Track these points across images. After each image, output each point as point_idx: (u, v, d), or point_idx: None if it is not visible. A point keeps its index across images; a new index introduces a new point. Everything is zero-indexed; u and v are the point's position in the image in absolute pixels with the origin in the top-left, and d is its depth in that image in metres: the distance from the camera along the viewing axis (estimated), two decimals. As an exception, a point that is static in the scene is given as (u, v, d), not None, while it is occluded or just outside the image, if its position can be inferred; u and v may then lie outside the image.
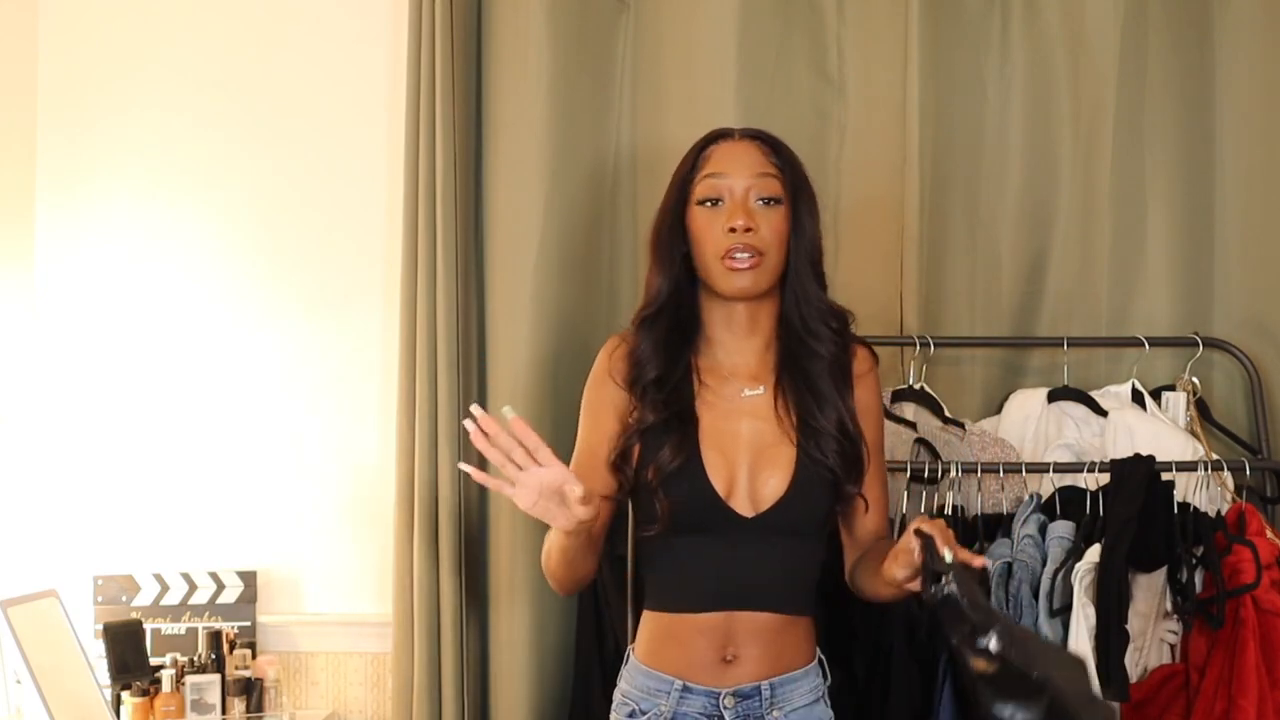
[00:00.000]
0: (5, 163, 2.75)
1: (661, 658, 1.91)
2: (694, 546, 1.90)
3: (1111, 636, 2.18)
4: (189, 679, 2.59)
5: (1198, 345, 2.55)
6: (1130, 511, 2.25)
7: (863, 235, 2.65)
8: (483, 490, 2.63)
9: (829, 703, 1.96)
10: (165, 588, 2.72)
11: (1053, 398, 2.55)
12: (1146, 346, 2.56)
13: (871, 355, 2.02)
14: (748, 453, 1.90)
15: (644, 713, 1.91)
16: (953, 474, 2.39)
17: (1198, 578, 2.30)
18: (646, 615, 1.97)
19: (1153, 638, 2.35)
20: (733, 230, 1.87)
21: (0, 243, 2.72)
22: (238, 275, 2.80)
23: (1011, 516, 2.38)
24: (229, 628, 2.70)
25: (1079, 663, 1.79)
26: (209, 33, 2.80)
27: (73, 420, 2.79)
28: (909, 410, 2.54)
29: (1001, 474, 2.44)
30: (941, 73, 2.62)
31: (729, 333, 1.96)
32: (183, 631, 2.71)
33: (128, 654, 2.59)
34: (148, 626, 2.68)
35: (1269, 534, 2.33)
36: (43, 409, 2.78)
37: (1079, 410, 2.54)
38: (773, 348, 1.97)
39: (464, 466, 1.76)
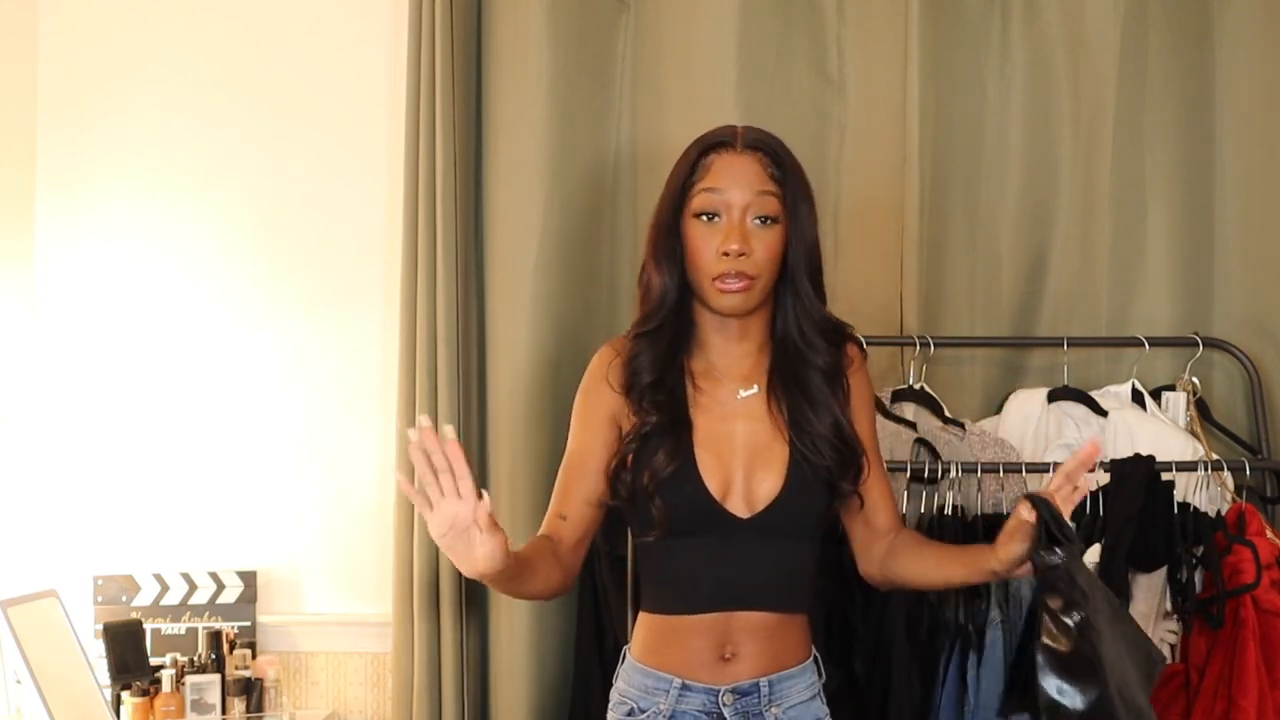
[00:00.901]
0: (5, 163, 2.75)
1: (659, 657, 1.91)
2: (691, 549, 1.90)
3: (1111, 636, 2.18)
4: (189, 679, 2.59)
5: (1198, 345, 2.55)
6: (1130, 511, 2.26)
7: (863, 235, 2.65)
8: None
9: (824, 699, 1.96)
10: (165, 588, 2.72)
11: (1053, 398, 2.55)
12: (1146, 346, 2.56)
13: (858, 347, 2.01)
14: (743, 454, 1.90)
15: (643, 711, 1.91)
16: (953, 474, 2.39)
17: (1198, 578, 2.30)
18: (643, 617, 1.97)
19: (1153, 638, 2.35)
20: (726, 255, 1.86)
21: (0, 243, 2.73)
22: (238, 275, 2.80)
23: (1011, 516, 2.38)
24: (229, 628, 2.70)
25: (1154, 663, 1.80)
26: (209, 33, 2.80)
27: (73, 420, 2.79)
28: (909, 410, 2.54)
29: (1001, 474, 2.44)
30: (941, 73, 2.63)
31: (721, 336, 1.96)
32: (183, 631, 2.71)
33: (128, 654, 2.59)
34: (148, 626, 2.67)
35: (1269, 534, 2.33)
36: (43, 409, 2.78)
37: (1079, 410, 2.54)
38: (765, 350, 1.97)
39: (397, 474, 1.69)
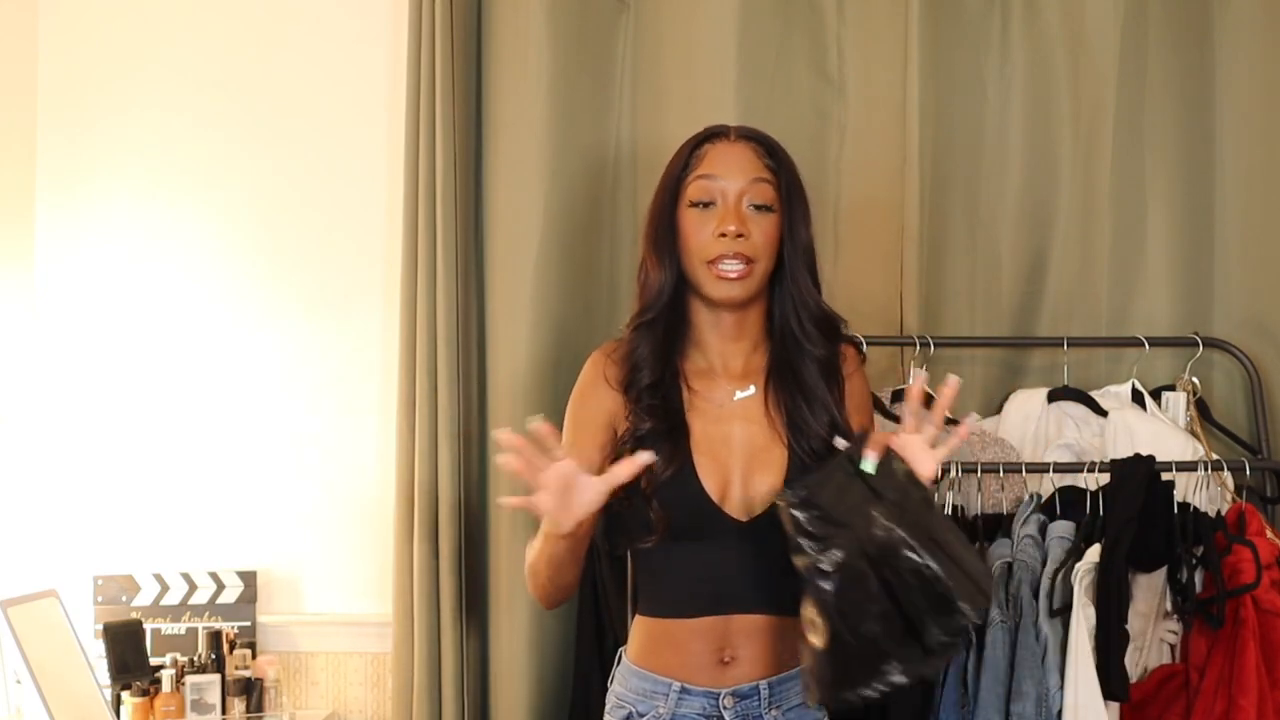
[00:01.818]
0: (5, 163, 2.75)
1: (657, 660, 1.91)
2: (689, 553, 1.89)
3: (1111, 636, 2.18)
4: (189, 679, 2.59)
5: (1198, 345, 2.55)
6: (1130, 511, 2.25)
7: (863, 235, 2.65)
8: (483, 490, 2.64)
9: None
10: (165, 588, 2.72)
11: (1053, 398, 2.55)
12: (1146, 346, 2.56)
13: (858, 353, 2.02)
14: (740, 456, 1.90)
15: (641, 715, 1.90)
16: (953, 474, 2.38)
17: (1198, 578, 2.30)
18: (639, 620, 1.96)
19: (1153, 638, 2.35)
20: (723, 235, 1.86)
21: (0, 243, 2.73)
22: (238, 275, 2.80)
23: (1011, 516, 2.38)
24: (229, 628, 2.70)
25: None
26: (209, 33, 2.80)
27: (73, 420, 2.79)
28: (909, 410, 2.53)
29: (1001, 474, 2.44)
30: (941, 73, 2.62)
31: (717, 334, 1.95)
32: (183, 631, 2.71)
33: (128, 654, 2.59)
34: (148, 626, 2.68)
35: (1269, 534, 2.33)
36: (43, 409, 2.78)
37: (1079, 410, 2.54)
38: (761, 349, 1.97)
39: (500, 500, 1.73)
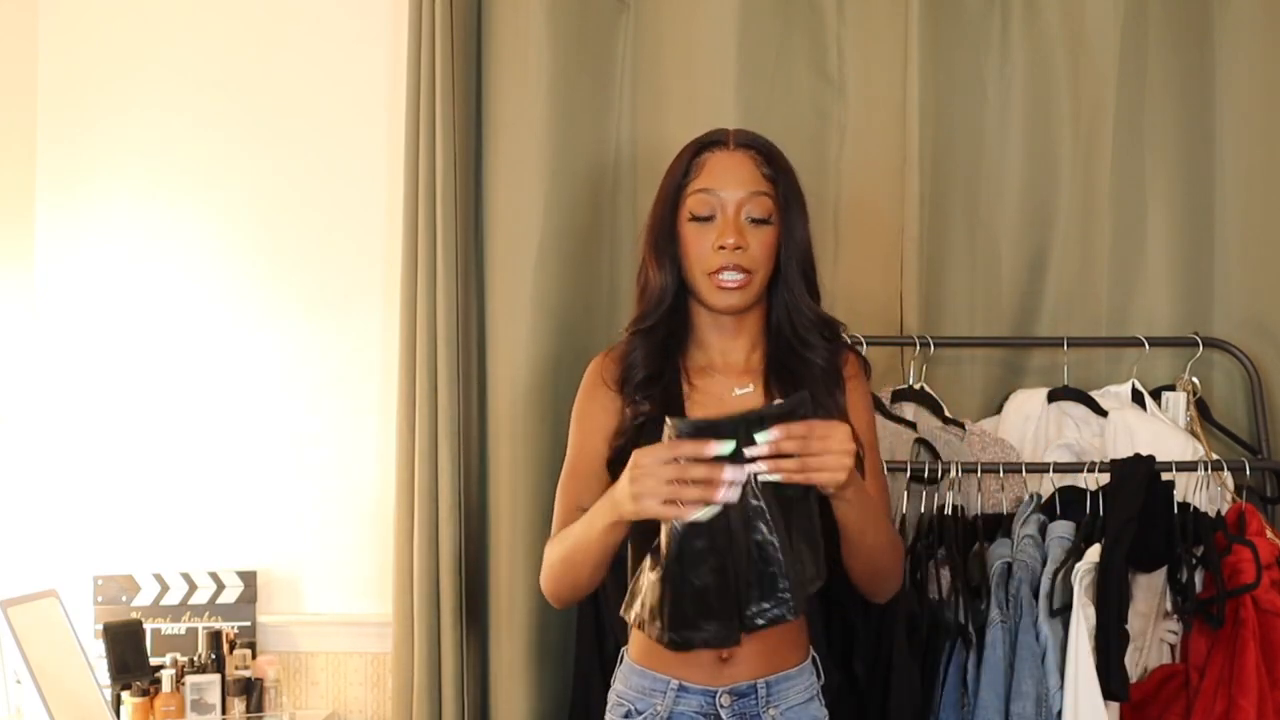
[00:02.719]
0: (5, 163, 2.75)
1: (657, 658, 1.91)
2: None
3: (1111, 636, 2.18)
4: (189, 679, 2.59)
5: (1198, 345, 2.55)
6: (1130, 511, 2.25)
7: (863, 235, 2.65)
8: (483, 490, 2.64)
9: (823, 701, 1.96)
10: (165, 588, 2.72)
11: (1053, 398, 2.55)
12: (1146, 346, 2.56)
13: (860, 360, 2.01)
14: None
15: (640, 713, 1.90)
16: (953, 474, 2.38)
17: (1198, 578, 2.30)
18: None
19: (1153, 638, 2.35)
20: (722, 248, 1.88)
21: (0, 243, 2.73)
22: (238, 275, 2.80)
23: (1011, 516, 2.38)
24: (229, 628, 2.70)
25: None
26: (209, 33, 2.80)
27: (73, 420, 2.79)
28: (909, 410, 2.53)
29: (1001, 474, 2.44)
30: (941, 73, 2.62)
31: (717, 333, 1.97)
32: (183, 631, 2.71)
33: (128, 654, 2.59)
34: (148, 626, 2.68)
35: (1269, 534, 2.33)
36: (43, 409, 2.78)
37: (1079, 410, 2.54)
38: (759, 348, 1.97)
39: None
